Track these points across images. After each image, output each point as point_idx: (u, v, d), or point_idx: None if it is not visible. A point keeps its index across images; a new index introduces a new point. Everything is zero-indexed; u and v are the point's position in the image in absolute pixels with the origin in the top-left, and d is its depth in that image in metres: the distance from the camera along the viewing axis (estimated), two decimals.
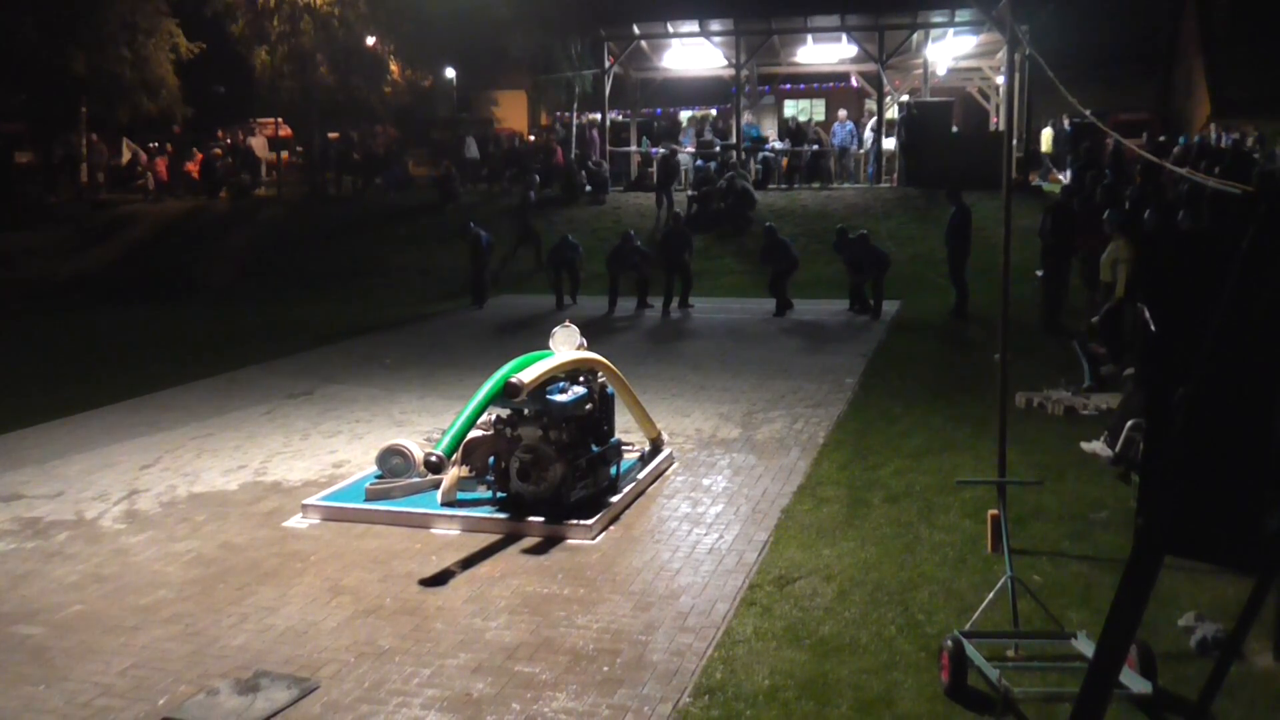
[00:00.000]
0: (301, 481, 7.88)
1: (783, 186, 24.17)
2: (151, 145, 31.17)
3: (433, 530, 6.80)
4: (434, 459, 6.28)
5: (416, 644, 5.19)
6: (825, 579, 5.89)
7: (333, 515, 7.05)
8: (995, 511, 5.91)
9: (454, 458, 6.83)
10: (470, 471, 7.22)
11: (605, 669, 4.89)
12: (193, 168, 29.29)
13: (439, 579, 6.01)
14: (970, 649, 4.56)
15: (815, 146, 25.14)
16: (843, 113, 26.47)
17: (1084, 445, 8.04)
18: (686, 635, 5.23)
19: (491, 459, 7.12)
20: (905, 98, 25.52)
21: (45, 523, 7.12)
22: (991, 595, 5.01)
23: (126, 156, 30.69)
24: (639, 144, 27.70)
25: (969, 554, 6.16)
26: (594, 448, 7.16)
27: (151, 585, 5.99)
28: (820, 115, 31.98)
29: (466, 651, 5.10)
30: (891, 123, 25.18)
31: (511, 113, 37.08)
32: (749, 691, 4.67)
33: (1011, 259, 6.09)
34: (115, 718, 4.53)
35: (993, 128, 25.68)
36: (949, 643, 4.60)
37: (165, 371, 11.95)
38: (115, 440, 9.18)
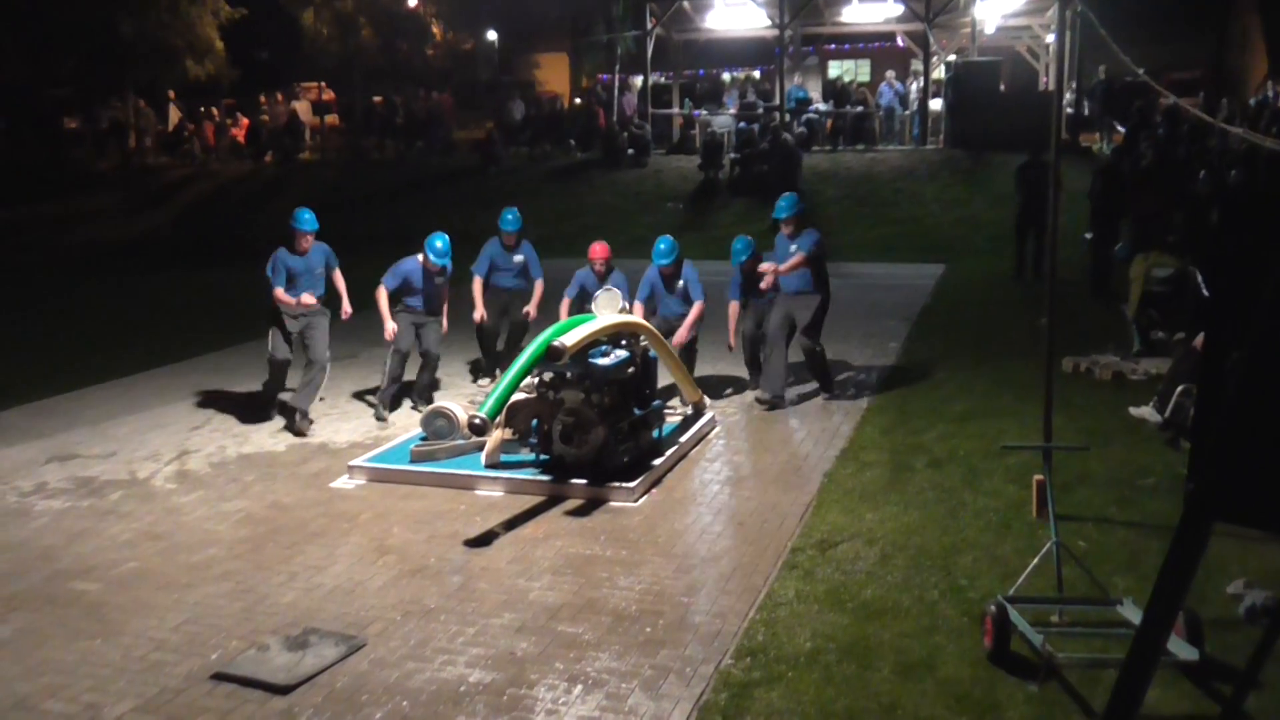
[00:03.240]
0: (348, 443, 7.98)
1: (827, 148, 23.91)
2: (199, 110, 31.43)
3: (477, 492, 6.87)
4: (478, 421, 6.33)
5: (461, 603, 5.26)
6: (867, 543, 5.88)
7: (378, 476, 7.14)
8: (1040, 477, 5.86)
9: (497, 420, 6.88)
10: (514, 434, 7.28)
11: (648, 630, 4.94)
12: (239, 133, 29.53)
13: (483, 540, 6.07)
14: (1014, 614, 4.54)
15: (860, 108, 24.83)
16: (890, 73, 26.09)
17: (1132, 410, 7.94)
18: (728, 597, 5.26)
19: (534, 422, 7.17)
20: (952, 57, 25.09)
21: (100, 482, 7.28)
22: (1036, 560, 4.98)
23: (174, 122, 30.99)
24: (681, 106, 27.50)
25: (1013, 519, 6.12)
26: (636, 411, 7.18)
27: (203, 543, 6.11)
28: (865, 76, 31.55)
29: (510, 611, 5.16)
30: (938, 83, 24.79)
31: (553, 75, 36.96)
32: (790, 653, 4.69)
33: (1060, 221, 6.00)
34: (169, 671, 4.65)
35: (1041, 87, 25.17)
36: (992, 607, 4.59)
37: (213, 334, 12.11)
38: (165, 402, 9.34)
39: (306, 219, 8.34)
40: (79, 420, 8.83)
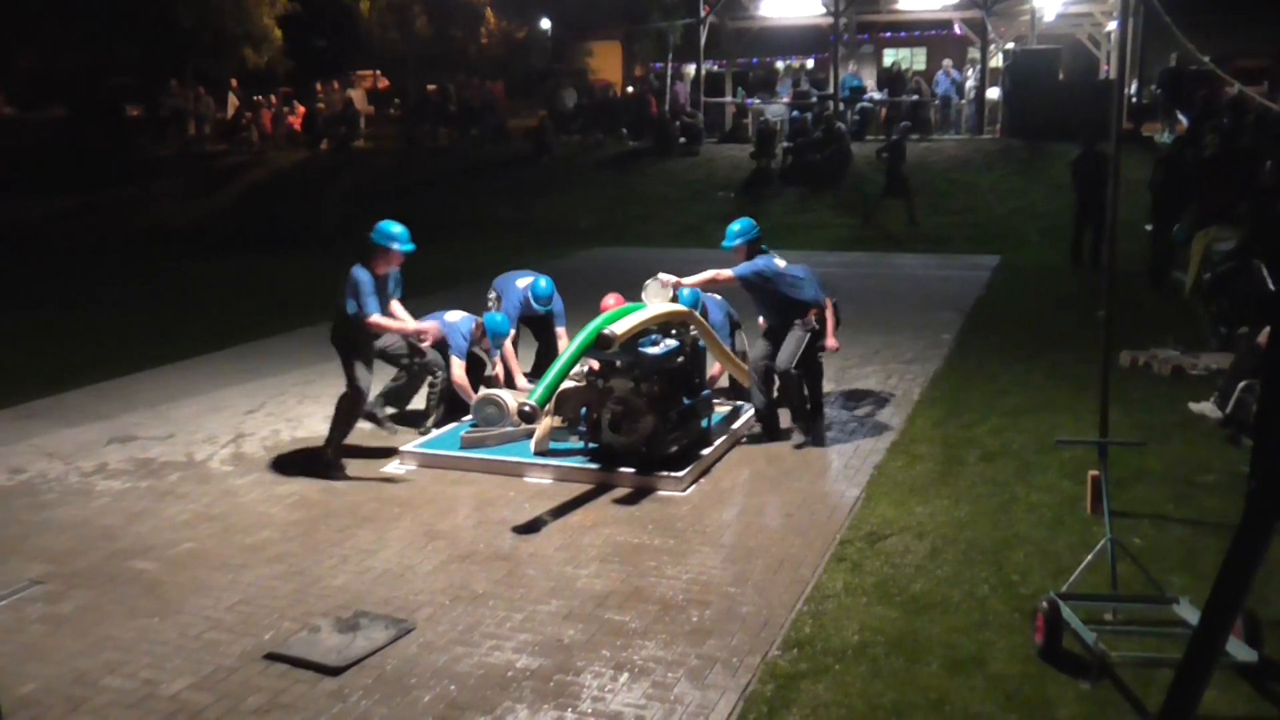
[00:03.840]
0: (398, 429, 8.06)
1: (880, 138, 23.66)
2: (256, 99, 31.85)
3: (526, 479, 6.90)
4: (527, 409, 6.36)
5: (509, 589, 5.30)
6: (917, 536, 5.83)
7: (428, 462, 7.20)
8: (1096, 472, 5.77)
9: (547, 408, 6.91)
10: (563, 421, 7.31)
11: (694, 619, 4.94)
12: (295, 120, 29.87)
13: (531, 526, 6.11)
14: (1066, 611, 4.48)
15: (915, 96, 24.53)
16: (946, 62, 25.74)
17: (1192, 406, 7.78)
18: (775, 589, 5.24)
19: (584, 410, 7.19)
20: (1010, 45, 24.70)
21: (158, 463, 7.42)
22: (1090, 557, 4.90)
23: (233, 109, 31.42)
24: (734, 95, 27.37)
25: (1066, 515, 6.04)
26: (685, 401, 7.17)
27: (257, 525, 6.21)
28: (921, 64, 31.18)
29: (558, 598, 5.18)
30: (996, 71, 24.42)
31: (606, 63, 36.95)
32: (838, 646, 4.66)
33: (1119, 212, 5.90)
34: (224, 650, 4.73)
35: (1102, 76, 24.71)
36: (1044, 604, 4.53)
37: (269, 320, 12.28)
38: (221, 386, 9.50)
39: (404, 237, 7.00)
40: (138, 402, 9.01)
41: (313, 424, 8.26)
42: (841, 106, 23.67)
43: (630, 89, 32.08)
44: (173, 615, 5.09)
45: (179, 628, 4.96)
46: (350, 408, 7.13)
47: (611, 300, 7.91)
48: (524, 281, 8.70)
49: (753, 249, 7.58)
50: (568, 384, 7.14)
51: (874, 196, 18.47)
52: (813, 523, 6.09)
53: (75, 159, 25.86)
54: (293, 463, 7.36)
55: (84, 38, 26.64)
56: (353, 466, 7.20)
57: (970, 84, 24.75)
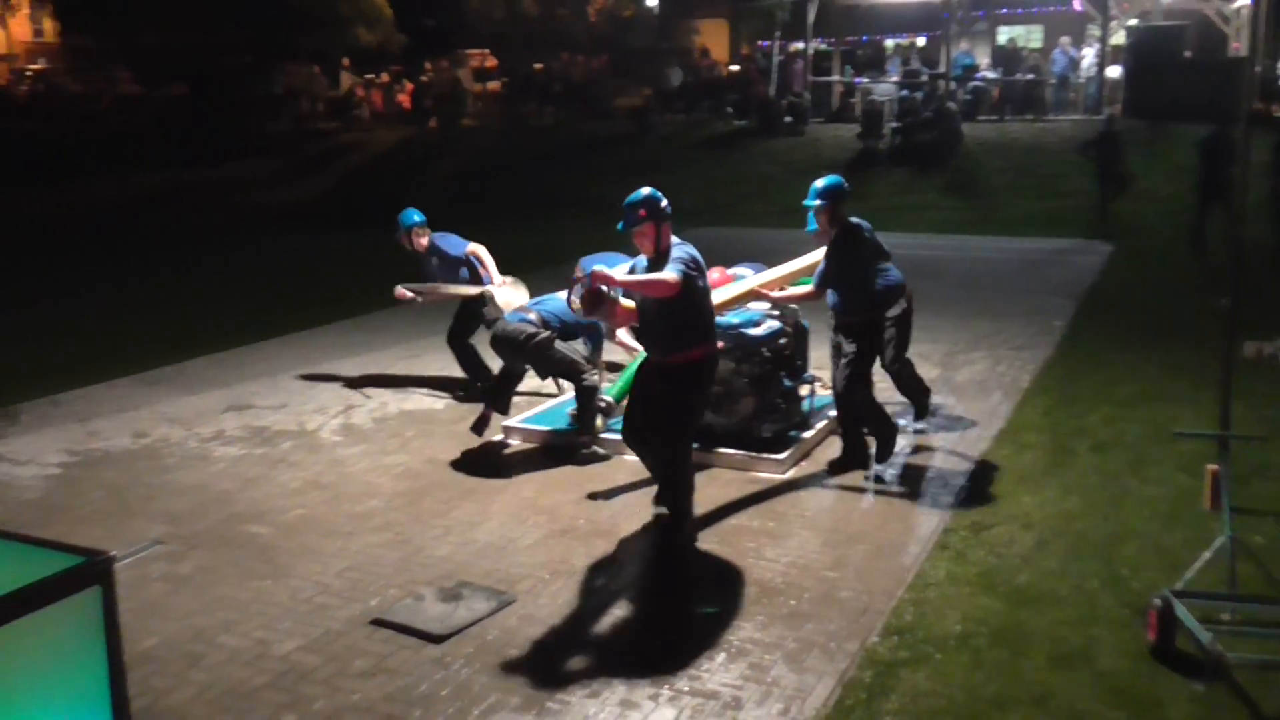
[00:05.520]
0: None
1: (993, 118, 23.06)
2: (367, 77, 32.51)
3: (626, 457, 6.93)
4: (603, 405, 6.37)
5: (606, 567, 5.34)
6: (1024, 527, 5.70)
7: (532, 438, 7.29)
8: (1214, 466, 5.54)
9: (623, 403, 6.88)
10: None
11: (792, 603, 4.91)
12: (404, 98, 30.40)
13: (631, 504, 6.14)
14: (1181, 609, 4.33)
15: (1030, 75, 23.83)
16: (1064, 39, 24.93)
17: None
18: (875, 575, 5.18)
19: None
20: (1133, 21, 23.79)
21: (272, 431, 7.66)
22: (1208, 555, 4.72)
23: (345, 88, 32.14)
24: (841, 74, 26.95)
25: (1182, 510, 5.83)
26: (786, 382, 7.12)
27: (365, 494, 6.38)
28: (1037, 42, 30.20)
29: (654, 576, 5.21)
30: (1116, 49, 23.56)
31: (712, 42, 36.67)
32: (939, 635, 4.59)
33: (1246, 196, 5.64)
34: (332, 614, 4.88)
35: (1231, 53, 23.64)
36: (1157, 601, 4.39)
37: (378, 294, 12.53)
38: (333, 358, 9.76)
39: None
40: (254, 372, 9.32)
41: (420, 396, 8.43)
42: (953, 85, 23.12)
43: (736, 67, 31.81)
44: (284, 578, 5.26)
45: (290, 590, 5.13)
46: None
47: (716, 274, 7.71)
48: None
49: (836, 212, 6.43)
50: None
51: (1106, 193, 16.34)
52: (915, 509, 6.00)
53: (193, 136, 26.76)
54: (400, 434, 7.53)
55: (204, 17, 27.49)
56: (458, 440, 7.32)
57: (1089, 62, 23.93)
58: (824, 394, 7.82)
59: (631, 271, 5.70)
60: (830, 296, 6.53)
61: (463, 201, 21.14)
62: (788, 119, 23.35)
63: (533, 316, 7.00)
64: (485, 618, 4.81)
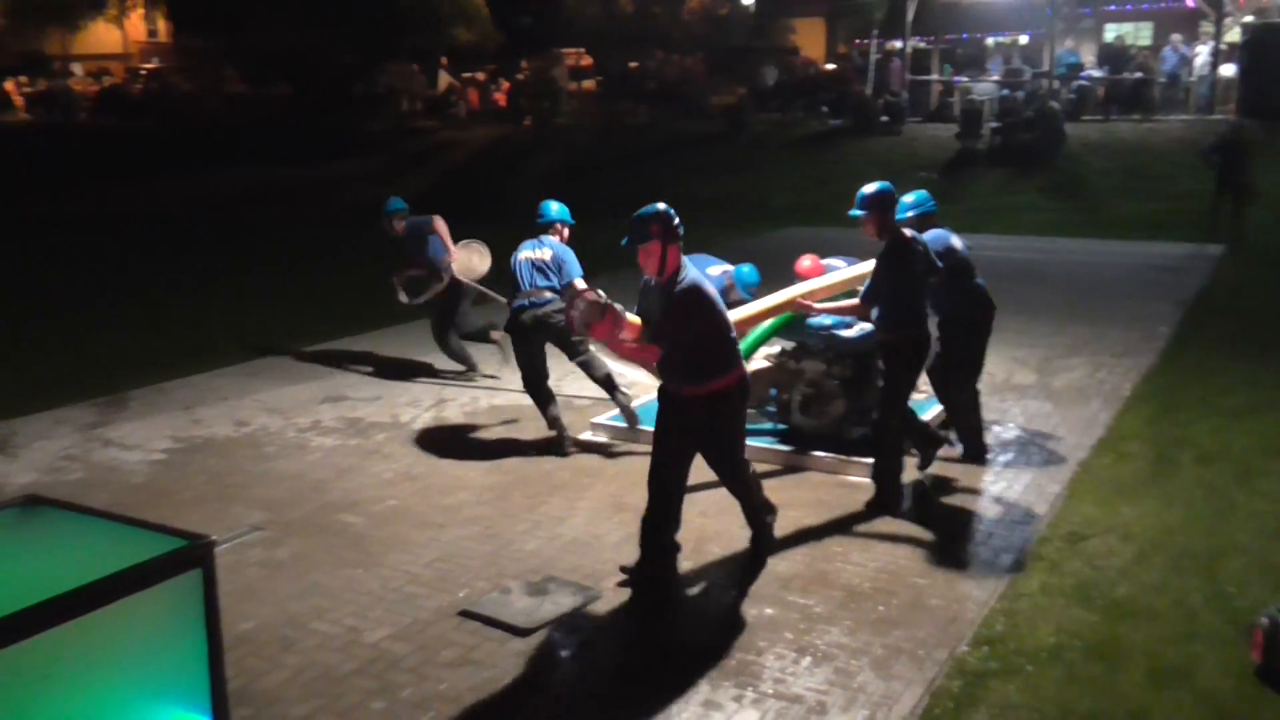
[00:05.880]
0: (592, 400, 8.21)
1: (1098, 118, 22.42)
2: (465, 75, 32.99)
3: None
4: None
5: (692, 565, 5.33)
6: (1123, 539, 5.53)
7: (620, 435, 7.32)
8: None
9: None
10: (753, 401, 7.26)
11: (880, 608, 4.84)
12: (500, 97, 30.78)
13: (717, 504, 6.11)
14: None
15: (1139, 74, 23.11)
16: (1175, 36, 24.12)
17: None
18: (967, 583, 5.08)
19: (773, 390, 7.14)
20: (1249, 18, 22.90)
21: (366, 423, 7.82)
22: None
23: (443, 86, 32.66)
24: (940, 72, 26.49)
25: None
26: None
27: (455, 487, 6.47)
28: (1146, 39, 29.29)
29: (741, 577, 5.18)
30: (1232, 46, 22.71)
31: (808, 40, 36.38)
32: (1031, 647, 4.49)
33: None
34: (421, 604, 4.96)
35: None
36: (1264, 619, 4.22)
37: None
38: (425, 353, 9.90)
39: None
40: (350, 365, 9.53)
41: (510, 392, 8.52)
42: (1056, 84, 22.55)
43: (832, 66, 31.50)
44: (375, 567, 5.37)
45: (380, 579, 5.23)
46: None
47: (808, 261, 7.58)
48: (716, 269, 8.60)
49: (885, 221, 6.00)
50: (759, 363, 7.10)
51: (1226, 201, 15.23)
52: (1009, 518, 5.87)
53: (297, 135, 27.46)
54: (490, 428, 7.63)
55: (309, 18, 28.19)
56: (546, 435, 7.37)
57: (1201, 60, 23.11)
58: (917, 399, 7.69)
59: (644, 288, 5.21)
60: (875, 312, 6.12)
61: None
62: (884, 118, 23.03)
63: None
64: (570, 612, 4.84)
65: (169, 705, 3.19)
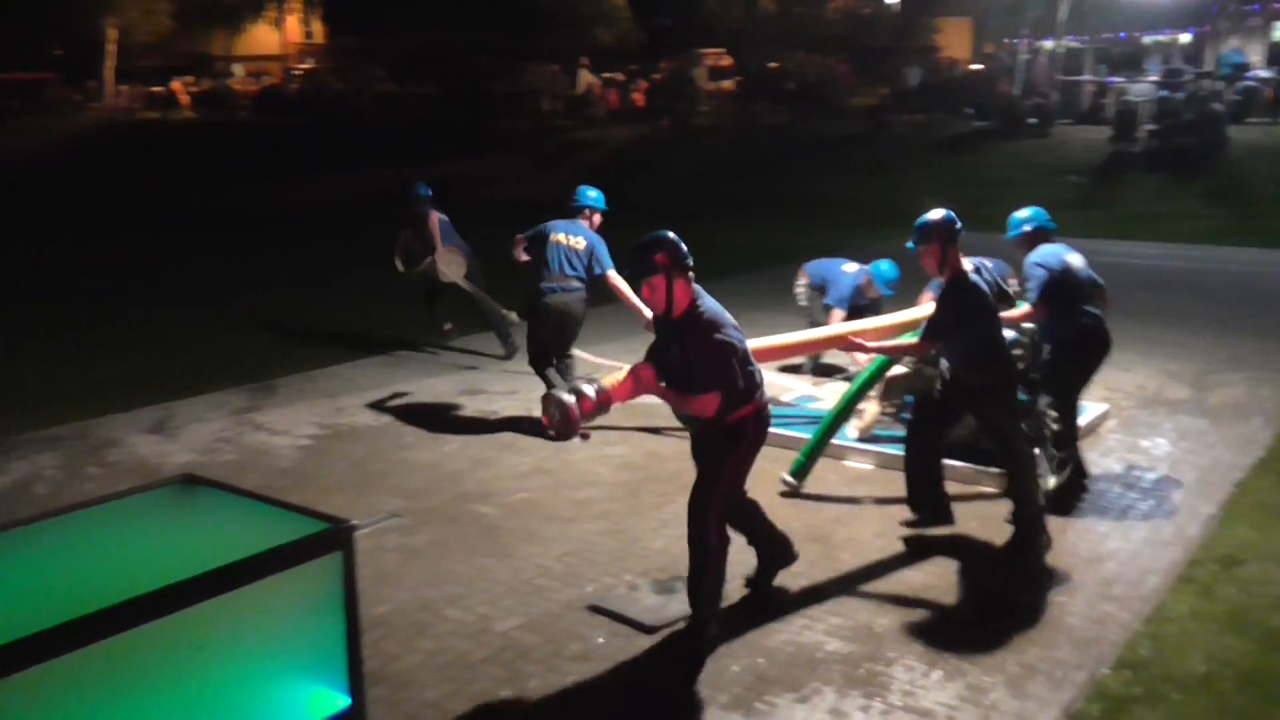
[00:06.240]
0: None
1: (1265, 120, 21.26)
2: (604, 75, 33.33)
3: (846, 463, 6.82)
4: (789, 483, 6.27)
5: (823, 571, 5.26)
6: None
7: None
8: None
9: (870, 395, 6.75)
10: (890, 408, 7.16)
11: (1016, 625, 4.69)
12: (639, 97, 30.99)
13: (849, 511, 6.03)
14: None
15: None
16: None
17: None
18: (1110, 604, 4.88)
19: (908, 398, 7.00)
20: None
21: (501, 416, 7.97)
22: None
23: (582, 86, 33.07)
24: (1094, 72, 25.52)
25: None
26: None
27: (585, 483, 6.54)
28: None
29: (872, 585, 5.10)
30: None
31: (954, 40, 35.51)
32: (1178, 674, 4.28)
33: None
34: (550, 596, 5.02)
35: None
36: None
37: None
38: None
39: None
40: (488, 359, 9.74)
41: None
42: (1219, 85, 21.47)
43: (979, 66, 30.68)
44: (507, 558, 5.46)
45: (512, 570, 5.32)
46: None
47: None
48: (850, 268, 8.52)
49: (947, 254, 5.34)
50: (897, 370, 6.97)
51: None
52: (1157, 538, 5.61)
53: (440, 133, 28.19)
54: (620, 426, 7.67)
55: (454, 19, 28.93)
56: (676, 434, 7.38)
57: None
58: None
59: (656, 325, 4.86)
60: (944, 350, 5.52)
61: (692, 200, 21.37)
62: (1032, 120, 22.31)
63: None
64: None
65: (309, 681, 3.32)
